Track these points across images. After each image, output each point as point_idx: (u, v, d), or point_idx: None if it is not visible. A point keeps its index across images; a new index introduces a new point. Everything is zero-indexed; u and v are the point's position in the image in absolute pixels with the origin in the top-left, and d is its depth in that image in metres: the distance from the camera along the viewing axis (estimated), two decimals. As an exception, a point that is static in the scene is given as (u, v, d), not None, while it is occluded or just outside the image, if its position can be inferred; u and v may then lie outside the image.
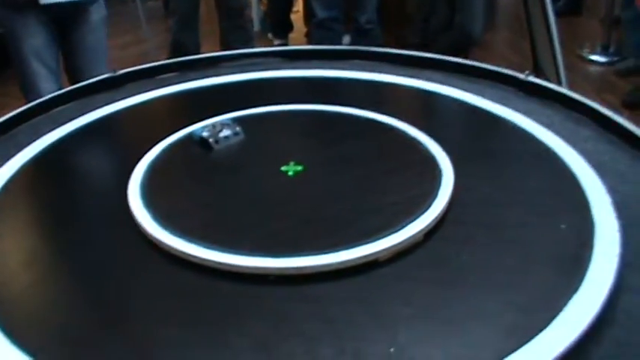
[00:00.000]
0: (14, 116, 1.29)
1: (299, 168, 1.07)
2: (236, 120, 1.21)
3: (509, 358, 0.71)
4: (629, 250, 0.89)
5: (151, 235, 0.91)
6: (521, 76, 1.40)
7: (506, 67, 1.45)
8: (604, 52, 4.32)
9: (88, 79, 1.48)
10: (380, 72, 1.51)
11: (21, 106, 1.33)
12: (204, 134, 1.15)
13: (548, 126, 1.22)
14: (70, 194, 1.08)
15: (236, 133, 1.17)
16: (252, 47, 3.30)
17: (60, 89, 1.47)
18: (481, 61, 1.36)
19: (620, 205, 0.98)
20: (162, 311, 0.81)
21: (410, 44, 3.74)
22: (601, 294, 0.80)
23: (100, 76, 1.48)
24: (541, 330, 0.74)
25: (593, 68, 3.72)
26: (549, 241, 0.92)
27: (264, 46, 3.60)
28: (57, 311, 0.81)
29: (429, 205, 0.95)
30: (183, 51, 3.40)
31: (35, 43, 2.40)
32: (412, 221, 0.91)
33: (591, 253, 0.87)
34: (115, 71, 1.50)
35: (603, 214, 0.96)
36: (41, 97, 1.37)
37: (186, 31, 3.72)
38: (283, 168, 1.07)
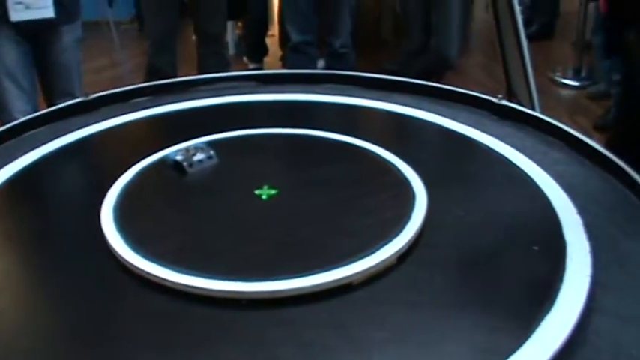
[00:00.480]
0: (-15, 140, 1.29)
1: (273, 192, 1.07)
2: (210, 144, 1.21)
3: (483, 380, 0.71)
4: (600, 271, 0.89)
5: (124, 259, 0.91)
6: (494, 99, 1.41)
7: (480, 91, 1.46)
8: (576, 75, 4.37)
9: (61, 98, 1.47)
10: (354, 96, 1.52)
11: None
12: (178, 158, 1.15)
13: (521, 149, 1.23)
14: (43, 218, 1.08)
15: (210, 157, 1.17)
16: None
17: (35, 108, 1.46)
18: (455, 85, 1.37)
19: (590, 227, 0.99)
20: (136, 336, 0.80)
21: (387, 70, 3.76)
22: (573, 315, 0.80)
23: (73, 96, 1.48)
24: (513, 351, 0.75)
25: (565, 92, 3.76)
26: (521, 262, 0.93)
27: (239, 70, 3.61)
28: (28, 336, 0.81)
29: (403, 228, 0.95)
30: (159, 74, 3.39)
31: (7, 61, 2.38)
32: (386, 244, 0.92)
33: (563, 274, 0.88)
34: (87, 95, 1.49)
35: (574, 235, 0.97)
36: (13, 116, 1.36)
37: (162, 55, 3.71)
38: (257, 192, 1.07)
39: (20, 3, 2.25)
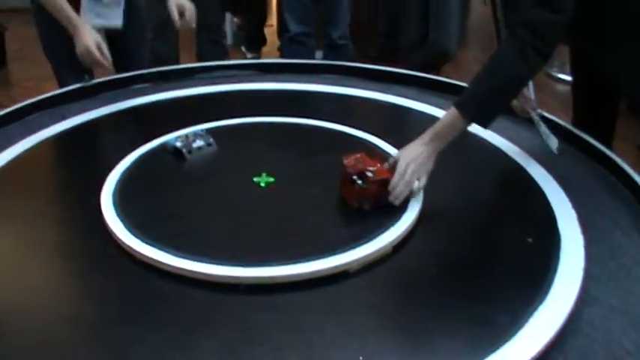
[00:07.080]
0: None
1: (271, 179, 1.08)
2: (209, 131, 1.22)
3: (475, 368, 0.72)
4: (592, 263, 0.91)
5: (123, 244, 0.91)
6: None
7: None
8: (573, 71, 4.36)
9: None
10: (351, 86, 1.53)
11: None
12: (178, 144, 1.16)
13: (518, 142, 1.24)
14: (43, 201, 1.08)
15: (209, 144, 1.18)
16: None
17: None
18: (452, 78, 1.37)
19: (585, 220, 1.00)
20: (135, 316, 0.81)
21: (370, 57, 3.73)
22: (566, 306, 0.82)
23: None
24: (506, 341, 0.76)
25: (561, 87, 3.74)
26: (516, 254, 0.94)
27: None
28: (31, 316, 0.81)
29: (399, 218, 0.96)
30: (161, 62, 3.38)
31: None
32: (382, 233, 0.93)
33: (557, 266, 0.89)
34: (87, 80, 1.49)
35: (569, 228, 0.98)
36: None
37: (159, 41, 3.70)
38: (255, 179, 1.08)
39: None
